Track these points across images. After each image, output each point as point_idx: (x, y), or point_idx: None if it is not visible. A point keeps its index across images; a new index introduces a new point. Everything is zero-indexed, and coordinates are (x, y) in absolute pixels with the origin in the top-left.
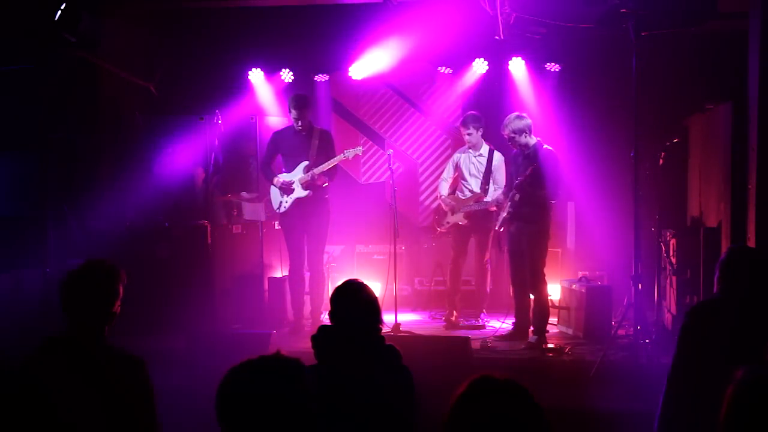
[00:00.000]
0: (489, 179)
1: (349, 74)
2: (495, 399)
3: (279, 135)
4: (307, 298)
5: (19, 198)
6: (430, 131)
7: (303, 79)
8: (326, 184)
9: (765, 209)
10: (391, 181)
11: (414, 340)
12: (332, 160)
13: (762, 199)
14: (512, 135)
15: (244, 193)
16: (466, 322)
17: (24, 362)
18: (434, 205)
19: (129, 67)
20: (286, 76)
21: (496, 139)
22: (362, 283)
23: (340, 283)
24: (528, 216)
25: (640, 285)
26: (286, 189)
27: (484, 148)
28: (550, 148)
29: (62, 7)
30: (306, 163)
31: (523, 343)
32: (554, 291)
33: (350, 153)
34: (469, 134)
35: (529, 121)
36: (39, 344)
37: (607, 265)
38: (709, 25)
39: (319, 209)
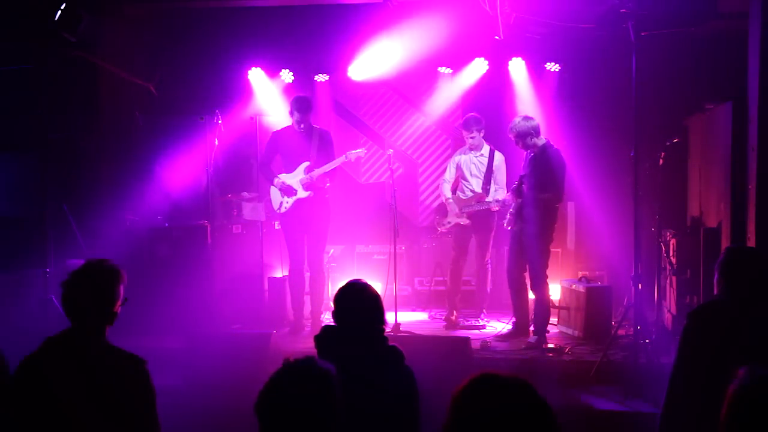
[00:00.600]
0: (490, 179)
1: (349, 74)
2: (499, 394)
3: (278, 135)
4: (307, 298)
5: (19, 198)
6: (430, 131)
7: (303, 79)
8: (328, 184)
9: (765, 209)
10: (391, 181)
11: (414, 340)
12: (334, 162)
13: (762, 199)
14: (518, 137)
15: (244, 193)
16: (466, 322)
17: (24, 363)
18: (434, 205)
19: (129, 67)
20: (287, 76)
21: (496, 139)
22: (366, 283)
23: (343, 283)
24: (530, 217)
25: (640, 285)
26: (287, 190)
27: (485, 149)
28: (558, 149)
29: (62, 7)
30: (307, 163)
31: (523, 343)
32: (554, 291)
33: (353, 154)
34: (472, 137)
35: (535, 122)
36: (39, 345)
37: (607, 265)
38: (709, 25)
39: (319, 209)
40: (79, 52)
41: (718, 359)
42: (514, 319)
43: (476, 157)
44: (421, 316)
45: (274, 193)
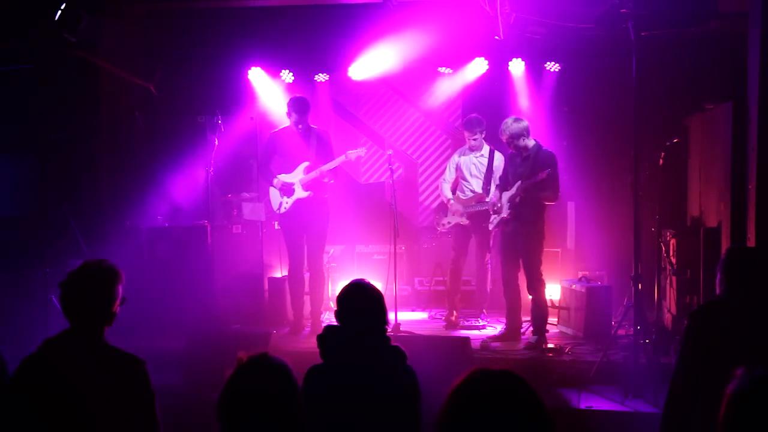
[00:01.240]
0: (490, 180)
1: (349, 74)
2: (490, 382)
3: (276, 136)
4: (307, 298)
5: (19, 198)
6: (430, 131)
7: (303, 79)
8: (332, 181)
9: (765, 209)
10: (391, 181)
11: (414, 340)
12: (334, 161)
13: (762, 199)
14: (511, 139)
15: (244, 193)
16: (466, 322)
17: (23, 363)
18: (434, 205)
19: (129, 67)
20: (287, 76)
21: (496, 139)
22: (368, 283)
23: (346, 283)
24: (526, 217)
25: (640, 285)
26: (287, 190)
27: (485, 149)
28: (549, 150)
29: (62, 7)
30: (306, 163)
31: (521, 343)
32: (554, 291)
33: (353, 154)
34: (474, 138)
35: (526, 123)
36: (38, 346)
37: (607, 265)
38: (709, 25)
39: (318, 209)
40: (79, 52)
41: (720, 359)
42: (505, 323)
43: (476, 157)
44: (421, 316)
45: (274, 194)
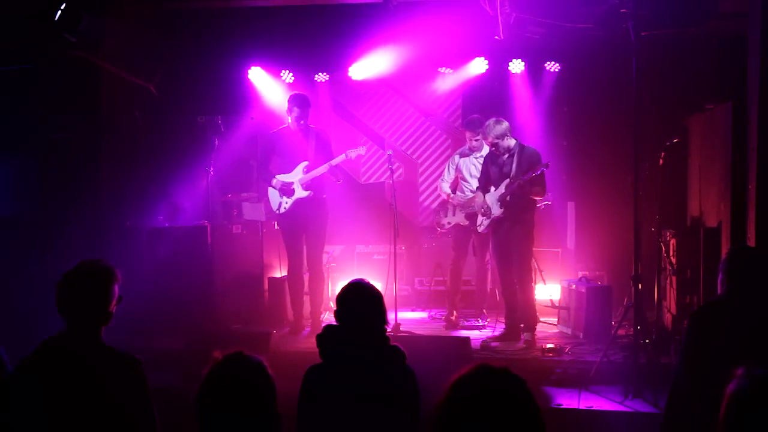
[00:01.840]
0: None
1: (349, 74)
2: (489, 385)
3: (275, 137)
4: (306, 298)
5: (19, 198)
6: (430, 131)
7: (303, 79)
8: (340, 180)
9: (765, 209)
10: (391, 181)
11: (414, 340)
12: (335, 159)
13: (762, 199)
14: (496, 140)
15: (244, 194)
16: (466, 322)
17: (21, 364)
18: (434, 205)
19: (129, 67)
20: (287, 76)
21: None
22: (368, 282)
23: (346, 282)
24: (517, 216)
25: (640, 285)
26: (286, 190)
27: (485, 149)
28: (532, 147)
29: (62, 7)
30: (306, 163)
31: (521, 343)
32: (554, 291)
33: (353, 153)
34: (476, 140)
35: (507, 123)
36: (36, 346)
37: (607, 265)
38: (709, 25)
39: (317, 209)
40: (79, 52)
41: (721, 359)
42: (505, 323)
43: (476, 158)
44: (421, 316)
45: (273, 194)
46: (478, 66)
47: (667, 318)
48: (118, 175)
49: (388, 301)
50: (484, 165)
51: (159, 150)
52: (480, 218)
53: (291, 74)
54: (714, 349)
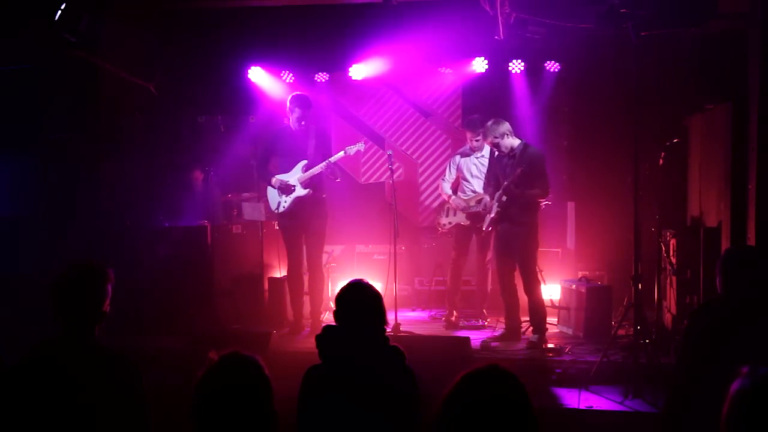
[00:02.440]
0: None
1: (350, 74)
2: (480, 387)
3: (274, 136)
4: (306, 298)
5: (19, 198)
6: (429, 131)
7: (303, 79)
8: (338, 179)
9: (765, 209)
10: (391, 181)
11: (414, 340)
12: (333, 157)
13: (762, 199)
14: (496, 140)
15: (244, 193)
16: (466, 322)
17: (18, 366)
18: (434, 205)
19: (129, 67)
20: (287, 75)
21: None
22: (367, 283)
23: (345, 283)
24: (516, 217)
25: (640, 285)
26: (286, 189)
27: (486, 149)
28: (536, 147)
29: (62, 7)
30: (305, 162)
31: (521, 343)
32: (554, 291)
33: (351, 149)
34: (477, 140)
35: (507, 123)
36: (33, 347)
37: (607, 265)
38: (709, 26)
39: (317, 209)
40: (79, 52)
41: (720, 358)
42: (505, 323)
43: (477, 158)
44: (421, 316)
45: (272, 194)
46: (478, 66)
47: (667, 318)
48: (118, 175)
49: (388, 301)
50: (490, 165)
51: (159, 150)
52: (486, 217)
53: (291, 74)
54: (713, 349)
